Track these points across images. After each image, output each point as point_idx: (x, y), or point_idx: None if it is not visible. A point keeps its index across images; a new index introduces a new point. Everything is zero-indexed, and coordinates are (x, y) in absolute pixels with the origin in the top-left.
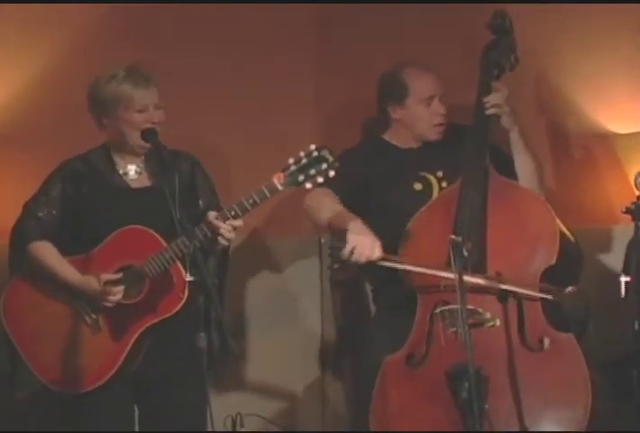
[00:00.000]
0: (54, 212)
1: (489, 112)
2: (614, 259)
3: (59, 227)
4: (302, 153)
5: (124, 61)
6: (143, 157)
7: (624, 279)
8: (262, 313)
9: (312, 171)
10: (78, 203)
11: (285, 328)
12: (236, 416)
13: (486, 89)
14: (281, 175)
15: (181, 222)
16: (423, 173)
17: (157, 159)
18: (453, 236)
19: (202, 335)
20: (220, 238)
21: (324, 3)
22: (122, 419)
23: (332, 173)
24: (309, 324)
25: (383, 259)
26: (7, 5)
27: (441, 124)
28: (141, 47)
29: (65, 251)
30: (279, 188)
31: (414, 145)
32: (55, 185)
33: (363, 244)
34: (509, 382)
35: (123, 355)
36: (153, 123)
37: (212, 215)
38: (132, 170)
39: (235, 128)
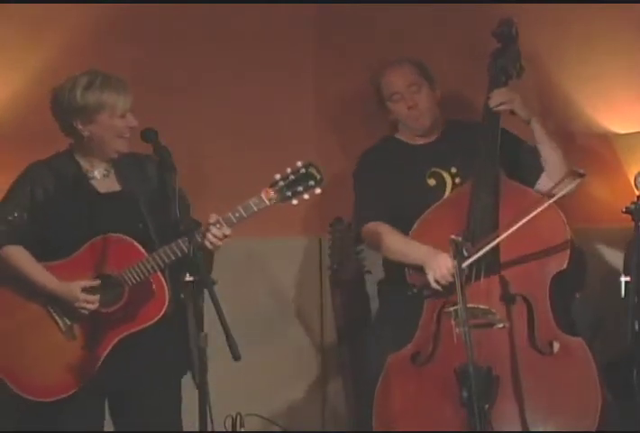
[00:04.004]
0: (25, 215)
1: (497, 109)
2: (614, 259)
3: (30, 231)
4: (289, 170)
5: (124, 61)
6: (110, 161)
7: (624, 279)
8: (262, 313)
9: (299, 188)
10: (48, 207)
11: (285, 328)
12: (236, 416)
13: None
14: (269, 190)
15: (186, 225)
16: (436, 169)
17: (159, 159)
18: (453, 236)
19: (202, 334)
20: (208, 244)
21: (324, 3)
22: (94, 424)
23: (318, 191)
24: (309, 324)
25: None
26: (7, 6)
27: (416, 116)
28: (141, 47)
29: (36, 256)
30: (267, 203)
31: (423, 141)
32: (23, 188)
33: (440, 270)
34: (518, 384)
35: (99, 364)
36: (132, 127)
37: (213, 218)
38: (98, 173)
39: (235, 128)
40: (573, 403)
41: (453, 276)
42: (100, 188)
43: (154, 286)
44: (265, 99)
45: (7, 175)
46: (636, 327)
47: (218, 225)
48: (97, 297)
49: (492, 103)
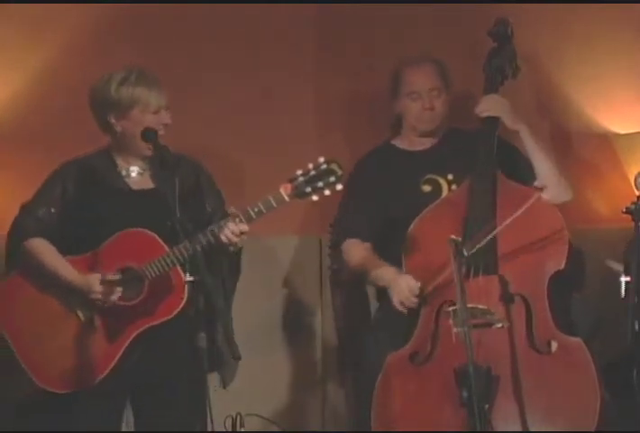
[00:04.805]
0: (53, 210)
1: (482, 115)
2: (614, 259)
3: (58, 226)
4: (310, 165)
5: (124, 62)
6: (147, 159)
7: (624, 279)
8: (262, 313)
9: (319, 184)
10: (79, 203)
11: (285, 328)
12: (236, 416)
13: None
14: (289, 186)
15: (182, 224)
16: (432, 175)
17: (159, 160)
18: (453, 236)
19: (202, 335)
20: (224, 239)
21: (324, 3)
22: (111, 420)
23: (339, 187)
24: (309, 324)
25: (423, 288)
26: (7, 6)
27: (428, 118)
28: (141, 47)
29: (63, 250)
30: (286, 198)
31: (421, 147)
32: (55, 185)
33: (403, 293)
34: (517, 384)
35: (117, 357)
36: (165, 124)
37: (232, 209)
38: (133, 171)
39: (234, 128)
40: (572, 403)
41: (418, 297)
42: (133, 186)
43: (173, 280)
44: (265, 99)
45: (7, 175)
46: (636, 326)
47: (237, 220)
48: (119, 289)
49: (478, 109)
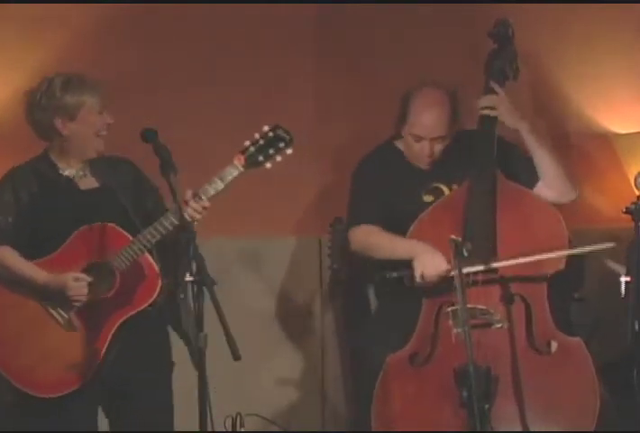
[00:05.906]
0: (10, 219)
1: (482, 113)
2: (614, 259)
3: (16, 233)
4: (257, 135)
5: (124, 61)
6: (87, 161)
7: (624, 279)
8: (262, 313)
9: (270, 151)
10: (33, 208)
11: (284, 328)
12: (236, 416)
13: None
14: (241, 157)
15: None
16: (437, 184)
17: (159, 158)
18: (453, 236)
19: (202, 334)
20: (188, 217)
21: (324, 3)
22: (91, 419)
23: (289, 151)
24: (309, 324)
25: (450, 270)
26: (7, 6)
27: (425, 160)
28: (141, 47)
29: (24, 255)
30: (241, 169)
31: None
32: (6, 192)
33: (428, 265)
34: (517, 384)
35: (104, 350)
36: (109, 124)
37: (189, 194)
38: (77, 173)
39: (235, 128)
40: (571, 402)
41: (439, 277)
42: (81, 186)
43: (145, 268)
44: (265, 99)
45: None
46: (636, 326)
47: (196, 199)
48: (88, 285)
49: (480, 104)
